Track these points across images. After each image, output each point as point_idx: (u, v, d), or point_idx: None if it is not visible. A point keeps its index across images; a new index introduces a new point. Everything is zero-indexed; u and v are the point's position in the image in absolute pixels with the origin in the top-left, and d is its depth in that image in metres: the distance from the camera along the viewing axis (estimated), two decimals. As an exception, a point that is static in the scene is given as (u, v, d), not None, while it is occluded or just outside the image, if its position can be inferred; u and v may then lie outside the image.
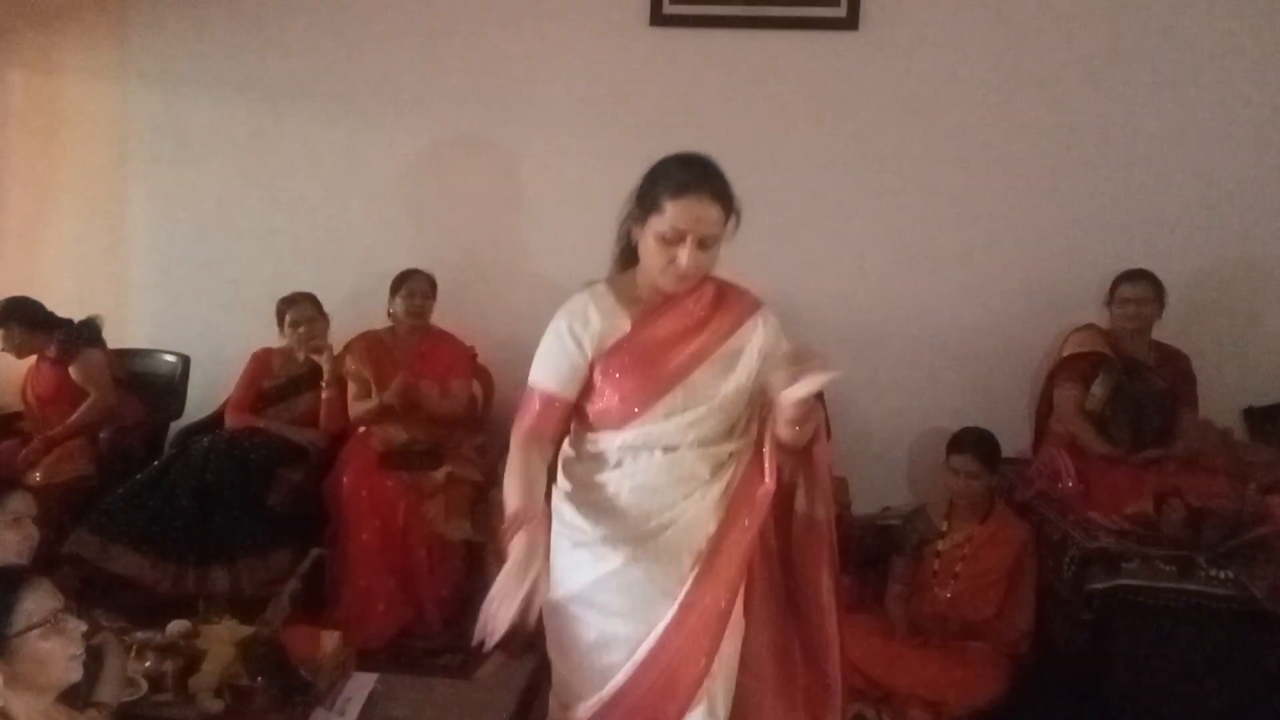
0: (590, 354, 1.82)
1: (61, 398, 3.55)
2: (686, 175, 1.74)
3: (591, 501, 1.85)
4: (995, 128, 3.62)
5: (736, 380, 1.83)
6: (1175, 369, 3.36)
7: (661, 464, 1.82)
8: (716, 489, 1.83)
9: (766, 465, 1.78)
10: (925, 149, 3.66)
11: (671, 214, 1.71)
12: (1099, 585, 2.70)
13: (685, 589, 1.77)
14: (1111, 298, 3.36)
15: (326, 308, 3.62)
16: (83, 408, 3.51)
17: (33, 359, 3.64)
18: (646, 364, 1.80)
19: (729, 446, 1.86)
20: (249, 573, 3.14)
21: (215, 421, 3.65)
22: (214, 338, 3.92)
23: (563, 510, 1.88)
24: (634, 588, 1.79)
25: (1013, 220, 3.65)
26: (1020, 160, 3.62)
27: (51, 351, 3.56)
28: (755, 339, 1.86)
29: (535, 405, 1.83)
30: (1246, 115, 3.51)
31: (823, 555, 1.87)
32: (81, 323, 3.62)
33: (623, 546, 1.79)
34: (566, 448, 1.94)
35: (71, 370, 3.53)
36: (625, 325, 1.83)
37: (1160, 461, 3.12)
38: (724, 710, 1.83)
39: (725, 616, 1.76)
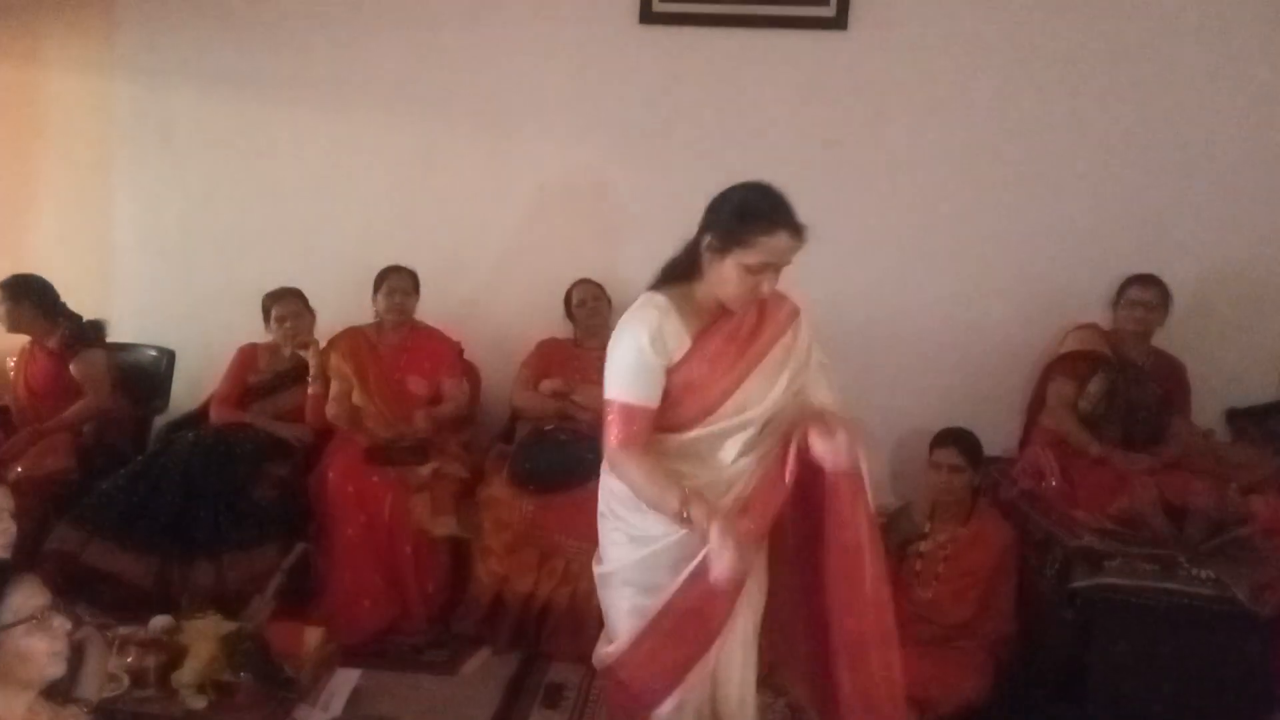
0: (666, 367, 1.95)
1: (56, 392, 3.53)
2: (774, 214, 1.88)
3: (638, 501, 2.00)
4: (987, 129, 3.62)
5: (779, 389, 2.00)
6: (1171, 376, 3.37)
7: (708, 466, 2.00)
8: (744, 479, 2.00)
9: (789, 466, 1.91)
10: (915, 149, 3.66)
11: (763, 250, 1.86)
12: (1081, 584, 2.72)
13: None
14: (1119, 299, 3.37)
15: (313, 303, 3.60)
16: (77, 406, 3.49)
17: (25, 346, 3.62)
18: (703, 382, 1.97)
19: (765, 445, 2.01)
20: (233, 568, 3.11)
21: (200, 416, 3.64)
22: (199, 332, 3.91)
23: (615, 508, 2.07)
24: (669, 567, 1.98)
25: (1006, 221, 3.66)
26: (1013, 161, 3.63)
27: (53, 343, 3.54)
28: (795, 348, 2.04)
29: (623, 418, 1.94)
30: (1246, 117, 3.52)
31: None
32: (89, 322, 3.61)
33: (666, 535, 1.98)
34: None
35: (72, 367, 3.51)
36: (688, 343, 1.97)
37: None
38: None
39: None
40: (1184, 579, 2.67)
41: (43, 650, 1.66)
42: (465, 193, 3.90)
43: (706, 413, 1.98)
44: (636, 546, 2.04)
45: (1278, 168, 3.54)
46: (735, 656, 2.11)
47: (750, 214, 1.88)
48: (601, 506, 2.14)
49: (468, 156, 3.87)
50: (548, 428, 3.46)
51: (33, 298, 3.53)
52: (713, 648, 2.04)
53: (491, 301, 3.93)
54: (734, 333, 1.99)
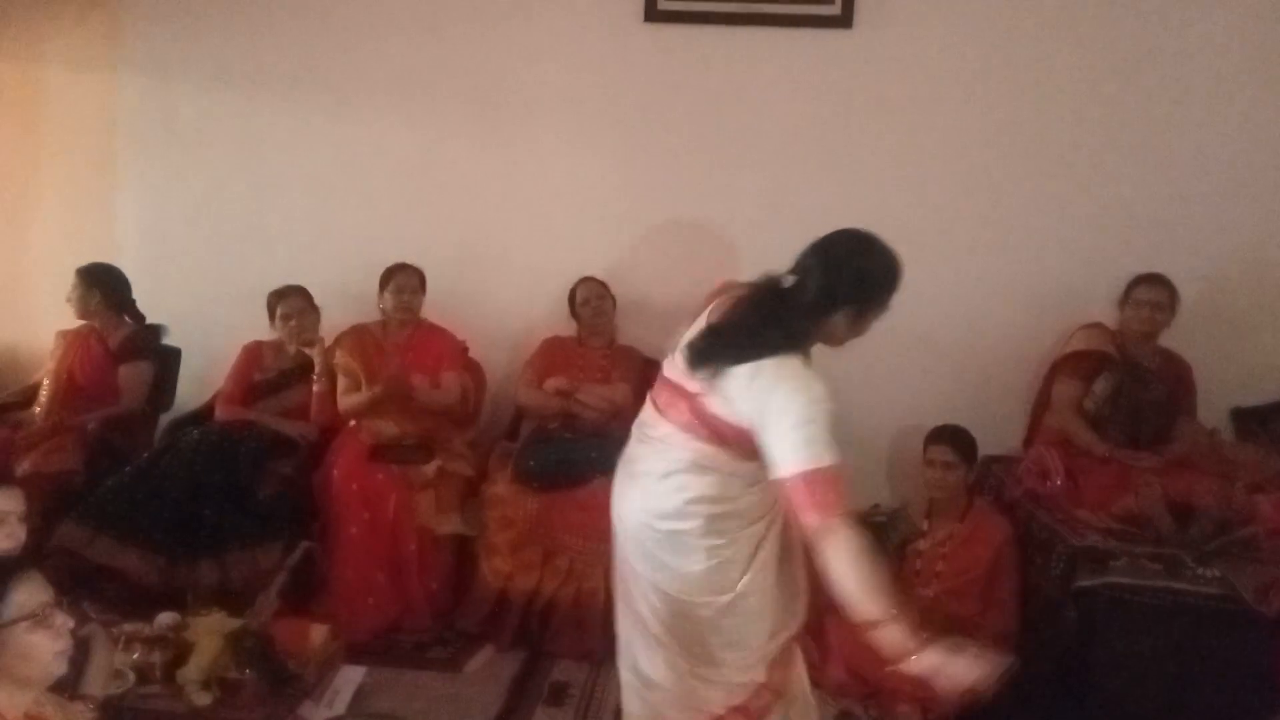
0: None
1: (99, 387, 3.59)
2: (901, 273, 1.96)
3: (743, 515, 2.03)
4: (992, 127, 3.62)
5: None
6: (1176, 376, 3.36)
7: None
8: None
9: None
10: (920, 148, 3.66)
11: (890, 304, 1.97)
12: (1086, 583, 2.72)
13: None
14: (1126, 298, 3.36)
15: (318, 301, 3.61)
16: (109, 410, 3.54)
17: (79, 329, 3.65)
18: None
19: None
20: (238, 566, 3.11)
21: (205, 414, 3.64)
22: (204, 330, 3.91)
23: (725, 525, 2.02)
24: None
25: (1013, 220, 3.66)
26: (1019, 160, 3.62)
27: (114, 342, 3.61)
28: None
29: (840, 482, 1.80)
30: (1252, 116, 3.51)
31: None
32: (150, 328, 3.70)
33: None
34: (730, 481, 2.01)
35: (121, 370, 3.58)
36: None
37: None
38: None
39: None
40: (1189, 579, 2.67)
41: (45, 647, 1.66)
42: (470, 190, 3.90)
43: None
44: (770, 557, 2.03)
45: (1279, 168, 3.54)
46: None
47: (888, 283, 1.94)
48: (696, 525, 2.00)
49: (472, 154, 3.87)
50: (552, 426, 3.47)
51: (104, 289, 3.61)
52: None
53: (496, 300, 3.93)
54: None
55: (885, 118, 3.66)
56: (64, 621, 1.70)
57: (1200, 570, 2.68)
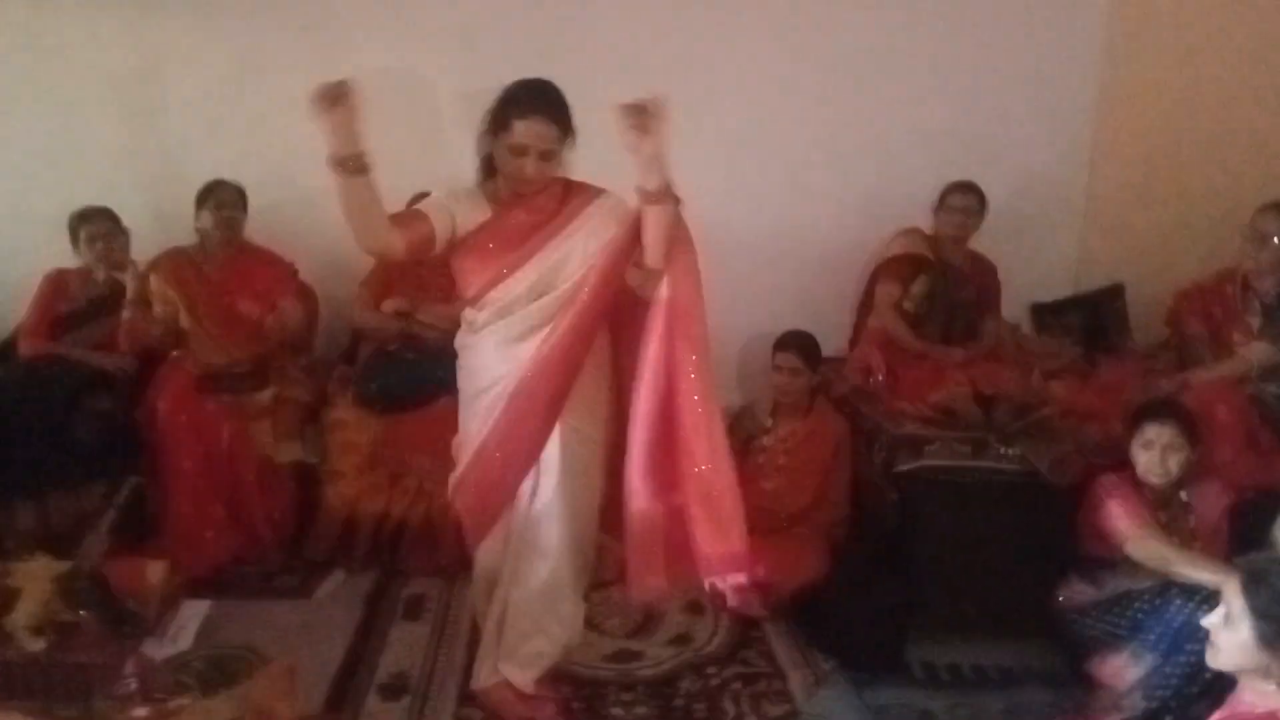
0: (456, 229, 2.20)
1: None
2: (530, 100, 2.14)
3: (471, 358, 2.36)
4: (817, 43, 3.73)
5: (578, 254, 2.23)
6: (985, 276, 3.63)
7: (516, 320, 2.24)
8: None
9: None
10: (746, 54, 3.72)
11: (518, 132, 2.12)
12: (905, 467, 2.96)
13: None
14: (940, 205, 3.56)
15: (126, 224, 3.36)
16: None
17: None
18: (504, 245, 2.21)
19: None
20: (59, 508, 2.97)
21: (6, 351, 3.37)
22: (-3, 260, 3.58)
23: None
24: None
25: (836, 132, 3.81)
26: (844, 75, 3.76)
27: None
28: (592, 220, 2.25)
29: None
30: (1056, 42, 3.78)
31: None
32: None
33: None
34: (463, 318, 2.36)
35: None
36: (487, 213, 2.23)
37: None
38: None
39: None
40: (993, 458, 2.95)
41: None
42: (289, 101, 3.63)
43: (504, 278, 2.24)
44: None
45: (1071, 88, 3.84)
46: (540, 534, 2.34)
47: (510, 101, 2.16)
48: None
49: (290, 60, 3.62)
50: (392, 348, 3.40)
51: None
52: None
53: (323, 218, 3.73)
54: (532, 211, 2.23)
55: (714, 30, 3.69)
56: None
57: (1003, 450, 2.95)
